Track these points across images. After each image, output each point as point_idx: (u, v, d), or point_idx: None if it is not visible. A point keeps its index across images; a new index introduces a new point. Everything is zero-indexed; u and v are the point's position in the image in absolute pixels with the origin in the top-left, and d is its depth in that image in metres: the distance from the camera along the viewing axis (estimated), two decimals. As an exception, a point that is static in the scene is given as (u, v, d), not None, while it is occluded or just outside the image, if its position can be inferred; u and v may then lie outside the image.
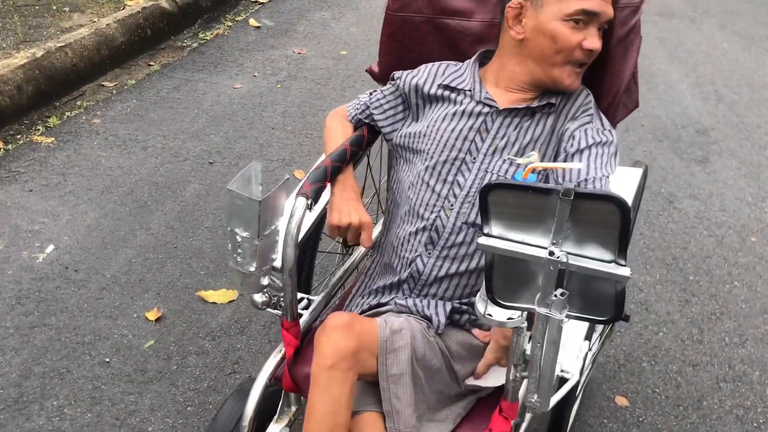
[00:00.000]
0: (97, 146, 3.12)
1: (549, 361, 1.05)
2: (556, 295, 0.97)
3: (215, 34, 4.40)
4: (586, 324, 1.33)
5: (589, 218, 0.93)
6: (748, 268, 2.63)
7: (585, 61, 1.39)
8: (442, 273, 1.40)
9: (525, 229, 0.98)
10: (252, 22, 4.63)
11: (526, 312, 1.05)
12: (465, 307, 1.42)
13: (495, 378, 1.40)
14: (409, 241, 1.44)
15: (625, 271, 0.93)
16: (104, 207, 2.71)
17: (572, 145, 1.40)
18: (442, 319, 1.40)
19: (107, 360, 2.07)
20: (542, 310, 0.99)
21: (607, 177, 1.36)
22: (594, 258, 0.95)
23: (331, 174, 1.45)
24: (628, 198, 1.56)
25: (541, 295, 0.99)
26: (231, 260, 1.32)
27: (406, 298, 1.44)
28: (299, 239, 1.37)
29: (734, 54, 4.77)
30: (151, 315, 2.22)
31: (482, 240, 1.00)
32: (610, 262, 0.95)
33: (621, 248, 0.93)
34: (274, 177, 2.98)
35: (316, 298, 1.58)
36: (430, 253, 1.41)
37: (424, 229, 1.42)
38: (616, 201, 0.90)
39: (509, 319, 1.07)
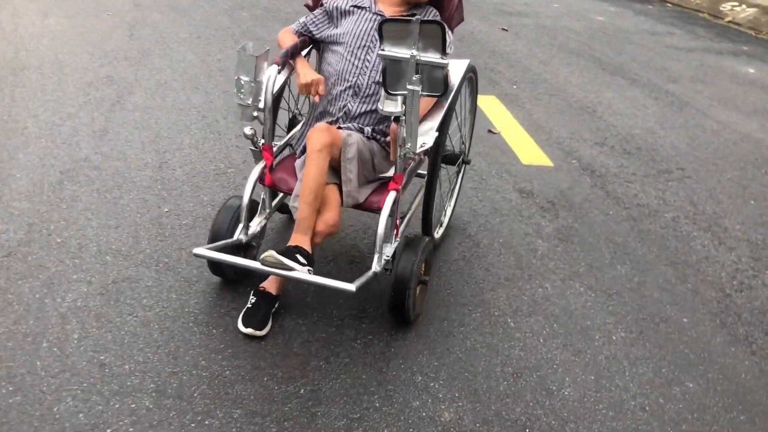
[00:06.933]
0: None
1: (415, 118, 2.08)
2: (415, 78, 2.02)
3: None
4: (437, 123, 2.39)
5: (428, 34, 1.99)
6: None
7: None
8: (362, 110, 2.46)
9: (399, 45, 2.03)
10: None
11: (404, 106, 2.06)
12: (380, 131, 2.47)
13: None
14: (341, 95, 2.49)
15: (444, 60, 2.01)
16: None
17: None
18: (369, 129, 2.46)
19: None
20: (410, 87, 2.02)
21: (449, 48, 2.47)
22: (430, 57, 2.01)
23: (290, 55, 2.45)
24: (463, 67, 2.62)
25: (408, 81, 2.03)
26: (236, 98, 2.25)
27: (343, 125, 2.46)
28: (274, 91, 2.34)
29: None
30: None
31: (380, 51, 2.05)
32: (438, 58, 2.01)
33: (443, 50, 2.02)
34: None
35: (278, 143, 2.58)
36: (354, 100, 2.47)
37: (349, 87, 2.47)
38: (439, 23, 1.99)
39: (396, 110, 2.09)
